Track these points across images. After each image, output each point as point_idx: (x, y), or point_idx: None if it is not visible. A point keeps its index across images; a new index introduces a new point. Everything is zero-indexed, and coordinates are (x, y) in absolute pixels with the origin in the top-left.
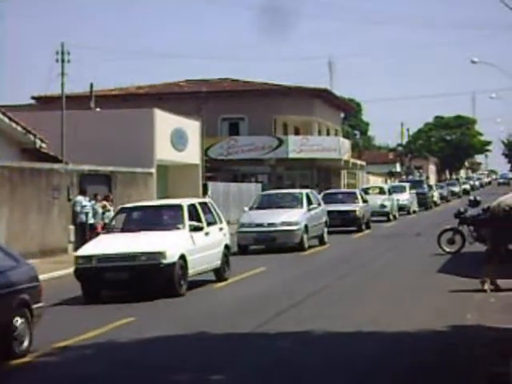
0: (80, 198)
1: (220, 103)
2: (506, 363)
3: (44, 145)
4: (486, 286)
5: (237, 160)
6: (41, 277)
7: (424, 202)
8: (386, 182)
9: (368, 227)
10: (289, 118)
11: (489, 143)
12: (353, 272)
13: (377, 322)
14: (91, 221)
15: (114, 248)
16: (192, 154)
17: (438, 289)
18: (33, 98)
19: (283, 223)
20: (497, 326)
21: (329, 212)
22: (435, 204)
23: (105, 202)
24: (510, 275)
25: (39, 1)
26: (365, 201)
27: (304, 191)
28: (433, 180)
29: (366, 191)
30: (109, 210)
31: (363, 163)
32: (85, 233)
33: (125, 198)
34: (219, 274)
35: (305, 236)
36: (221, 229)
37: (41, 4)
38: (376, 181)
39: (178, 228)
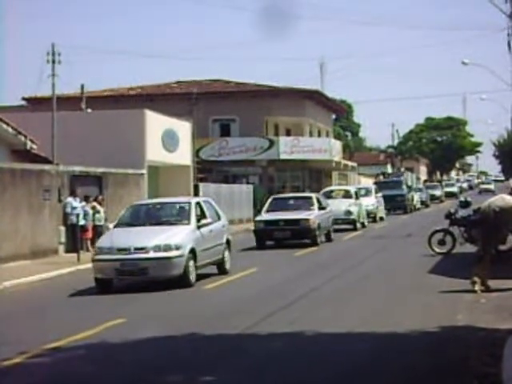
0: (71, 199)
1: (211, 104)
2: (497, 364)
3: (34, 146)
4: (477, 287)
5: (228, 161)
6: (32, 278)
7: (402, 206)
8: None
9: (328, 239)
10: (280, 119)
11: (480, 144)
12: (343, 273)
13: (368, 323)
14: (82, 222)
15: None
16: (183, 155)
17: (428, 289)
18: (23, 98)
19: (158, 247)
20: (487, 327)
21: (276, 221)
22: (415, 208)
23: (95, 203)
24: (501, 276)
25: (30, 1)
26: (322, 207)
27: (193, 200)
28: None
29: (329, 194)
30: (98, 212)
31: (354, 164)
32: (76, 234)
33: (116, 199)
34: None
35: (191, 265)
36: None
37: (31, 4)
38: (367, 182)
39: None
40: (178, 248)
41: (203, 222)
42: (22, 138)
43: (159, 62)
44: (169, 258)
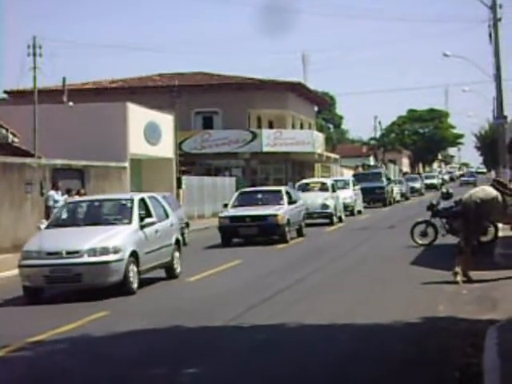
0: (53, 192)
1: (193, 97)
2: (478, 354)
3: (16, 139)
4: (458, 278)
5: (211, 154)
6: (13, 272)
7: (381, 198)
8: None
9: (300, 235)
10: (262, 112)
11: (461, 136)
12: (326, 266)
13: (350, 315)
14: None
15: None
16: (166, 148)
17: (410, 281)
18: (5, 92)
19: (93, 251)
20: (469, 318)
21: (242, 217)
22: (394, 200)
23: (76, 197)
24: (482, 267)
25: None
26: (292, 201)
27: (137, 197)
28: None
29: (304, 187)
30: None
31: (337, 157)
32: None
33: (98, 192)
34: None
35: (132, 269)
36: None
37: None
38: (350, 174)
39: None
40: (116, 251)
41: (147, 221)
42: (3, 131)
43: (141, 55)
44: (106, 263)
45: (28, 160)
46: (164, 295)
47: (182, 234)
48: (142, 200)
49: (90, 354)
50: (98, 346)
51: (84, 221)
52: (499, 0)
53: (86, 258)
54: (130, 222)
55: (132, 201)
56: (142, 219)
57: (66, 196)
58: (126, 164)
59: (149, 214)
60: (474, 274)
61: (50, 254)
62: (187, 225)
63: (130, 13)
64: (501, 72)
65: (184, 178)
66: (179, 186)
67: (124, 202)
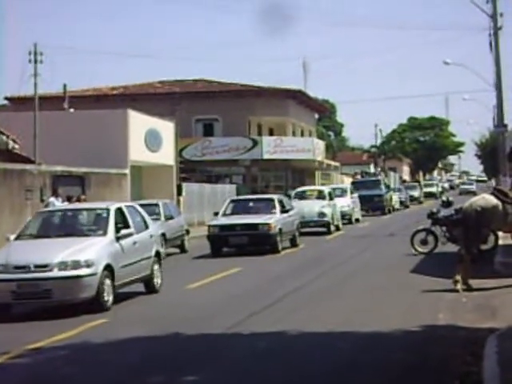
0: (53, 199)
1: (194, 104)
2: (478, 363)
3: (16, 145)
4: (458, 286)
5: (211, 161)
6: None
7: (380, 206)
8: None
9: (294, 245)
10: (263, 119)
11: (462, 144)
12: (326, 273)
13: (350, 322)
14: None
15: None
16: (166, 155)
17: (410, 289)
18: (6, 98)
19: (64, 264)
20: (468, 326)
21: (232, 226)
22: (393, 209)
23: (77, 203)
24: (482, 275)
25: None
26: (285, 210)
27: (113, 206)
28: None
29: (301, 195)
30: None
31: (337, 164)
32: None
33: (99, 199)
34: None
35: (106, 284)
36: None
37: (12, 3)
38: (350, 182)
39: None
40: (89, 265)
41: (124, 232)
42: (4, 138)
43: (142, 62)
44: (77, 277)
45: (28, 166)
46: (164, 303)
47: (182, 241)
48: (120, 210)
49: (90, 361)
50: (97, 352)
51: (56, 232)
52: (500, 8)
53: (55, 273)
54: (104, 234)
55: (108, 211)
56: (118, 230)
57: (66, 203)
58: (127, 171)
59: (126, 225)
60: (474, 283)
61: (18, 268)
62: (187, 232)
63: (129, 13)
64: (501, 81)
65: (184, 185)
66: (179, 193)
67: (100, 211)
